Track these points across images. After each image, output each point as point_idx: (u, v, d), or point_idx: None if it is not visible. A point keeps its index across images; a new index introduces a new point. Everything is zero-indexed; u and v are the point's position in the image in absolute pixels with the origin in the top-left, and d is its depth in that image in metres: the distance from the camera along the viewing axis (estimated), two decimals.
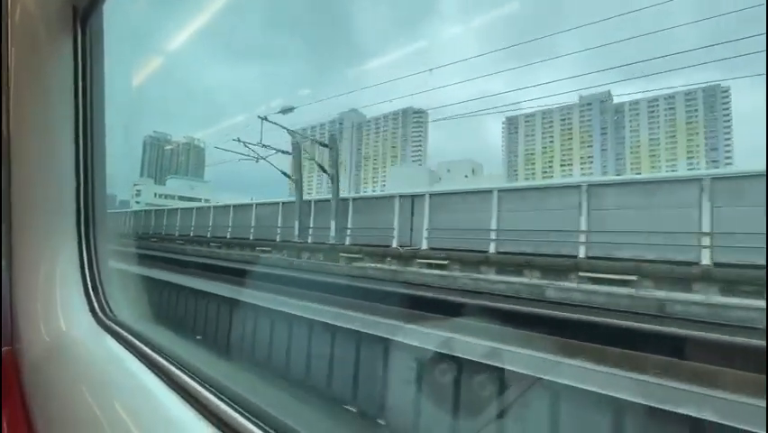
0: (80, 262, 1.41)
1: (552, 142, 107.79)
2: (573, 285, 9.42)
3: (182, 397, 0.82)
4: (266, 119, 14.63)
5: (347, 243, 14.93)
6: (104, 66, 1.42)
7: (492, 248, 11.16)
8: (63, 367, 1.18)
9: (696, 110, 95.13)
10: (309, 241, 16.09)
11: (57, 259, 1.38)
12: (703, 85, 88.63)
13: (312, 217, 16.46)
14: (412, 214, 13.34)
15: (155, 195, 49.19)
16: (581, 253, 9.69)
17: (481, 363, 3.53)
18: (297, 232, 16.02)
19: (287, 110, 15.48)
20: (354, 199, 15.70)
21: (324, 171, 15.29)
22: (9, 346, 1.30)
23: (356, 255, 13.78)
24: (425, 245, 12.66)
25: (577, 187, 10.08)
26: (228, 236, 20.02)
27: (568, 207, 10.10)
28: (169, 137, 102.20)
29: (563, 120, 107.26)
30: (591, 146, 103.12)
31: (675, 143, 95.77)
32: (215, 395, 0.78)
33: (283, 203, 17.95)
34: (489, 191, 11.51)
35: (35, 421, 1.09)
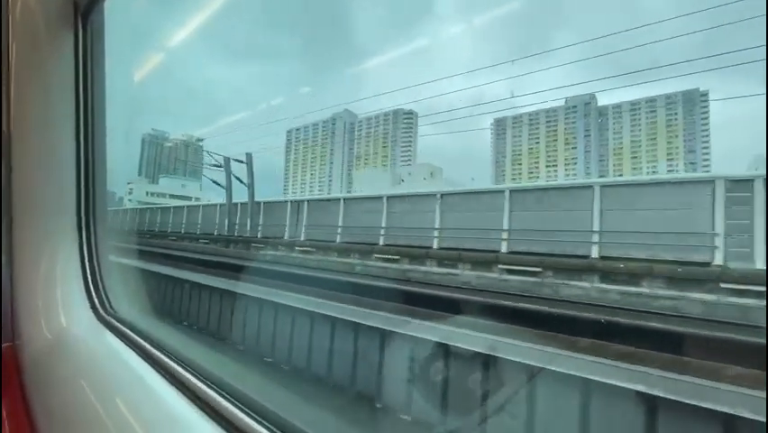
0: (81, 258, 1.40)
1: (537, 143, 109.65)
2: (372, 263, 14.05)
3: (182, 393, 0.83)
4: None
5: (258, 236, 19.64)
6: (105, 63, 1.43)
7: (338, 239, 15.80)
8: (64, 363, 1.18)
9: (676, 113, 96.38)
10: (235, 235, 20.80)
11: (57, 255, 1.37)
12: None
13: (238, 216, 21.17)
14: (298, 214, 17.97)
15: (147, 193, 51.86)
16: (381, 241, 14.31)
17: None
18: (226, 228, 20.79)
19: (199, 139, 20.36)
20: (264, 203, 20.37)
21: (241, 182, 19.97)
22: (10, 342, 1.29)
23: (261, 245, 18.48)
24: (303, 237, 17.30)
25: (379, 198, 14.72)
26: (182, 231, 24.75)
27: (375, 211, 14.75)
28: (167, 135, 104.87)
29: (549, 122, 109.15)
30: (575, 148, 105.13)
31: (655, 145, 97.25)
32: (216, 391, 0.79)
33: (220, 205, 22.64)
34: (338, 199, 16.19)
35: (36, 417, 1.09)
